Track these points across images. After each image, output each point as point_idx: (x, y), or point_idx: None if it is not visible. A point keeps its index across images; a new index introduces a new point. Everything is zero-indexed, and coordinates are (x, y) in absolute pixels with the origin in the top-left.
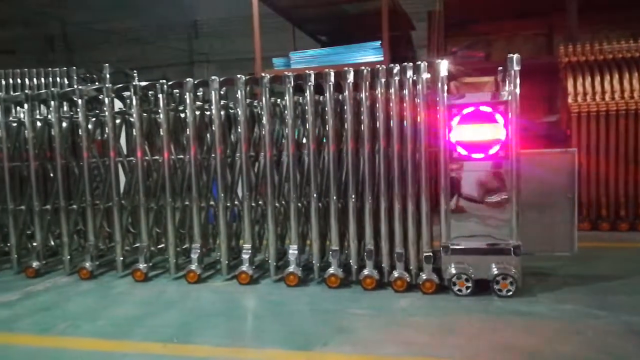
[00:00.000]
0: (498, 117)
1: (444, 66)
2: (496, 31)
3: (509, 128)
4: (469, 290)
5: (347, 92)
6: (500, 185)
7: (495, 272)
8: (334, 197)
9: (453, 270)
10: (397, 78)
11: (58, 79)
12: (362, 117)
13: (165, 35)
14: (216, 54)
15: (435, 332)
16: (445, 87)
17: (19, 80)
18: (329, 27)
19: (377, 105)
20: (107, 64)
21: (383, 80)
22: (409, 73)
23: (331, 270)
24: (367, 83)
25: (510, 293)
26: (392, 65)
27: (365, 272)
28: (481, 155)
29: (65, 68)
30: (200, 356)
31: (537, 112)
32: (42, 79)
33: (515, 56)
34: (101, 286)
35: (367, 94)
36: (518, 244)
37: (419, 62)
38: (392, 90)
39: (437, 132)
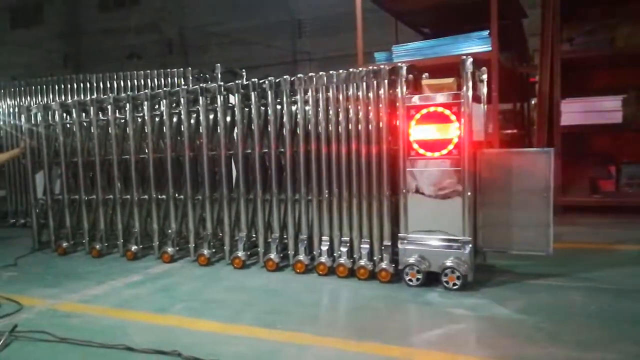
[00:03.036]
0: (452, 117)
1: (403, 70)
2: (620, 15)
3: (462, 128)
4: (419, 281)
5: (332, 95)
6: (454, 182)
7: (445, 266)
8: (325, 193)
9: (406, 262)
10: (363, 82)
11: (175, 80)
12: (339, 119)
13: (271, 36)
14: (318, 52)
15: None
16: (405, 89)
17: (142, 82)
18: (433, 19)
19: (350, 107)
20: (218, 64)
21: (353, 84)
22: (371, 76)
23: (322, 259)
24: (343, 86)
25: (457, 286)
26: (357, 69)
27: (341, 260)
28: (436, 154)
29: (181, 69)
30: (303, 343)
31: None
32: (162, 80)
33: (469, 59)
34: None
35: (340, 96)
36: (469, 239)
37: (382, 66)
38: (359, 93)
39: (398, 131)
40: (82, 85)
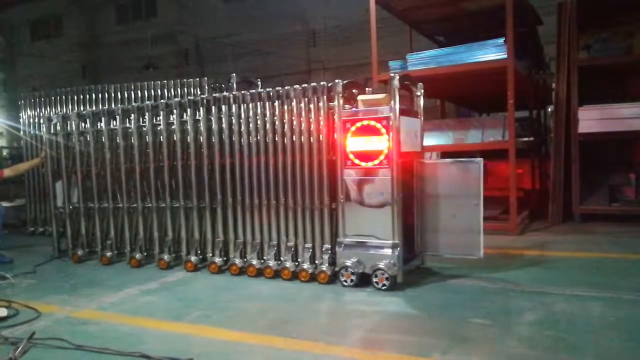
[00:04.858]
0: (382, 130)
1: (339, 86)
2: (637, 22)
3: (390, 140)
4: (353, 282)
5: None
6: (385, 190)
7: (375, 267)
8: (269, 200)
9: (342, 264)
10: (305, 97)
11: (191, 89)
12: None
13: (285, 46)
14: (332, 61)
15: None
16: (342, 104)
17: (158, 92)
18: (448, 27)
19: (294, 120)
20: (234, 74)
21: (295, 99)
22: (311, 93)
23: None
24: (287, 101)
25: (386, 287)
26: (297, 86)
27: (286, 264)
28: (368, 164)
29: (197, 79)
30: (317, 353)
31: None
32: (178, 90)
33: (396, 76)
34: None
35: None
36: (397, 243)
37: (322, 83)
38: (302, 107)
39: (335, 143)
40: (100, 95)
